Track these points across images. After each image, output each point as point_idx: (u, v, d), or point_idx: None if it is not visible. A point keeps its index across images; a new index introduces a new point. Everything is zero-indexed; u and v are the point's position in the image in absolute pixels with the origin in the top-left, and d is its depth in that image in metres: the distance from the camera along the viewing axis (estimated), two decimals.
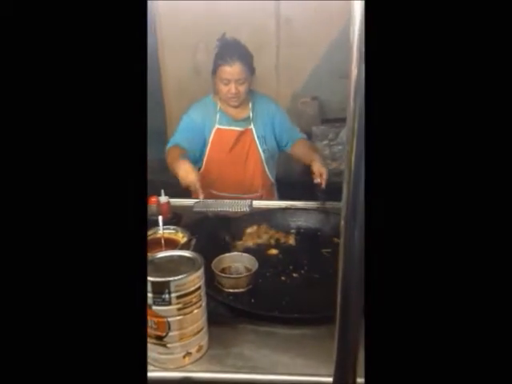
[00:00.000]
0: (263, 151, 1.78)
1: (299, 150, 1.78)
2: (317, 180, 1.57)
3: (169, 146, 1.67)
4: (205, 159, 1.75)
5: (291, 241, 1.38)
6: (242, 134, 1.73)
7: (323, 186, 1.56)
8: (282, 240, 1.38)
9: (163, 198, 1.47)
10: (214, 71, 1.65)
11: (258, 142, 1.76)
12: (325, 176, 1.56)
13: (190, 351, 0.87)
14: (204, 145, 1.73)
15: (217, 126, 1.72)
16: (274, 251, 1.32)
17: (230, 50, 1.62)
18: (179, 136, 1.70)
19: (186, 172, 1.43)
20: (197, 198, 1.49)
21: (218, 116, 1.71)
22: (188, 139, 1.68)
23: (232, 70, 1.60)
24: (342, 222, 0.57)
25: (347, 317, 0.61)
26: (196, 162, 1.70)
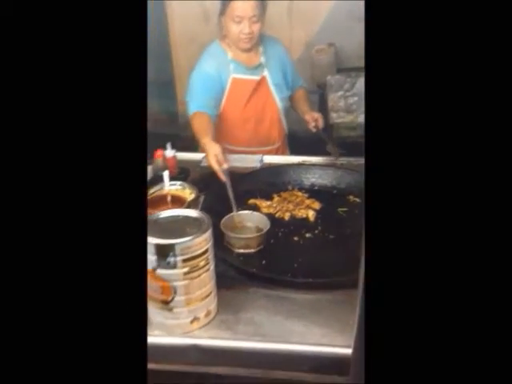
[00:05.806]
0: (281, 100, 1.66)
1: (296, 99, 1.74)
2: (312, 125, 1.58)
3: (193, 110, 1.51)
4: (221, 111, 1.60)
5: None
6: (258, 84, 1.61)
7: (320, 127, 1.58)
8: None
9: (169, 152, 1.38)
10: (223, 10, 1.49)
11: (274, 91, 1.65)
12: (320, 119, 1.58)
13: (197, 316, 0.82)
14: (221, 95, 1.59)
15: (233, 75, 1.59)
16: (287, 214, 1.23)
17: None
18: (200, 98, 1.53)
19: (213, 155, 1.28)
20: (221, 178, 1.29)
21: (231, 66, 1.58)
22: (210, 99, 1.53)
23: (245, 4, 1.45)
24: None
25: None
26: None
